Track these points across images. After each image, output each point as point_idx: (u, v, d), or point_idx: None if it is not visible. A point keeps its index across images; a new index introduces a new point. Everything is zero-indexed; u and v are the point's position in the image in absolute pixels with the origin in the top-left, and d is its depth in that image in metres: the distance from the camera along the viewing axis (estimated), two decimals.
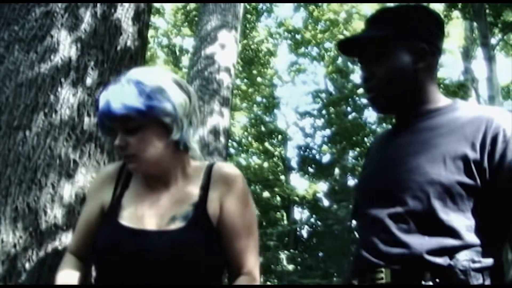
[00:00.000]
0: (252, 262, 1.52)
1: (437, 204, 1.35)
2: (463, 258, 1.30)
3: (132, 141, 1.49)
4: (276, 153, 16.63)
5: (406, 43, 1.50)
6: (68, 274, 1.54)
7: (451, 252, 1.31)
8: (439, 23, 1.57)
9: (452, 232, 1.33)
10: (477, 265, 1.30)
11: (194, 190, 1.55)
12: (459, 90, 12.66)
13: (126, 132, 1.49)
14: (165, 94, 1.49)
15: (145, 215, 1.52)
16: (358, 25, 15.07)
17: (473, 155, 1.35)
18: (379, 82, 1.52)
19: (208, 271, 1.49)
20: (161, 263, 1.42)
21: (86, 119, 1.93)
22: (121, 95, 1.46)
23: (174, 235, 1.45)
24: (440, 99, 1.54)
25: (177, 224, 1.47)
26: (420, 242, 1.33)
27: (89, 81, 1.99)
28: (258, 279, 1.53)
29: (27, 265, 1.69)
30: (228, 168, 1.61)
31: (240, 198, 1.55)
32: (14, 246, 1.69)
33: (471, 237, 1.33)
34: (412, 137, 1.49)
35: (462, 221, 1.34)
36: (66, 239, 1.77)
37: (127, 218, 1.51)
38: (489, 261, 1.32)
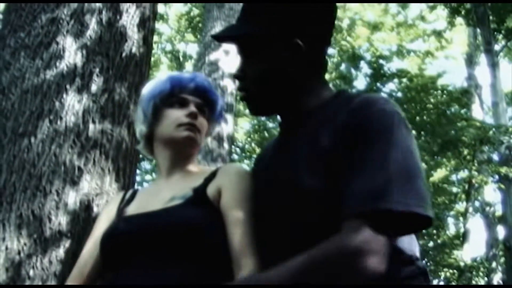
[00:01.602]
0: (249, 250, 1.38)
1: None
2: None
3: (200, 119, 1.67)
4: None
5: (277, 40, 1.32)
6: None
7: None
8: (320, 11, 1.36)
9: None
10: None
11: (199, 180, 1.56)
12: (462, 97, 12.63)
13: (198, 109, 1.67)
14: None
15: (148, 203, 1.55)
16: (362, 32, 15.08)
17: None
18: (250, 83, 1.37)
19: (208, 248, 1.40)
20: (157, 240, 1.39)
21: (91, 126, 1.92)
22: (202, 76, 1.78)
23: (170, 211, 1.46)
24: (325, 96, 1.36)
25: (175, 202, 1.48)
26: None
27: (94, 88, 1.99)
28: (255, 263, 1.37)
29: (31, 272, 1.69)
30: (234, 164, 1.69)
31: (240, 186, 1.47)
32: (19, 253, 1.69)
33: None
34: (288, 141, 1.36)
35: None
36: (70, 246, 1.77)
37: (130, 212, 1.58)
38: None
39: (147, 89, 1.71)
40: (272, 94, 1.36)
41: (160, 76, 1.74)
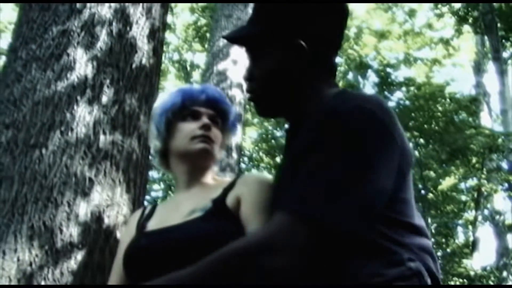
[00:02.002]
0: None
1: None
2: None
3: (214, 131, 1.67)
4: None
5: (279, 40, 1.31)
6: None
7: None
8: (325, 12, 1.33)
9: None
10: None
11: (218, 191, 1.56)
12: (471, 104, 12.58)
13: (211, 121, 1.68)
14: None
15: (168, 217, 1.55)
16: (369, 40, 15.09)
17: None
18: (257, 84, 1.36)
19: None
20: (179, 254, 1.38)
21: (101, 137, 1.93)
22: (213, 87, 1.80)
23: (191, 224, 1.46)
24: (326, 97, 1.31)
25: (195, 215, 1.48)
26: None
27: (104, 99, 1.99)
28: None
29: (42, 284, 1.69)
30: (254, 173, 1.67)
31: (259, 196, 1.46)
32: (30, 264, 1.69)
33: None
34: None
35: None
36: (81, 257, 1.77)
37: (151, 227, 1.58)
38: None
39: (158, 103, 1.73)
40: (277, 95, 1.35)
41: (170, 90, 1.77)
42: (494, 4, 12.17)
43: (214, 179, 1.70)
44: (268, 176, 1.70)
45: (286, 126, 1.45)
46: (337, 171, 1.09)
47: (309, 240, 1.06)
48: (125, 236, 1.68)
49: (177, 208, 1.58)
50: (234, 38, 1.51)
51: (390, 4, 15.79)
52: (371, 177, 1.11)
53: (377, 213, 1.12)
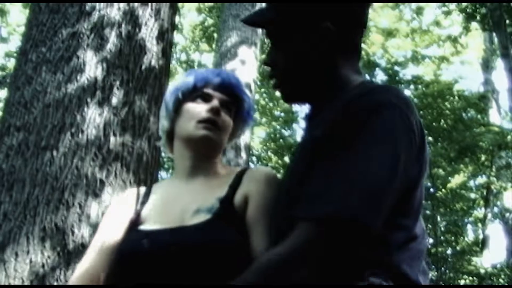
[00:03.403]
0: None
1: None
2: None
3: (224, 117, 1.56)
4: None
5: (304, 24, 1.26)
6: None
7: None
8: None
9: None
10: None
11: (223, 186, 1.48)
12: (479, 102, 12.52)
13: (222, 106, 1.55)
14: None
15: (169, 210, 1.46)
16: (376, 38, 15.04)
17: None
18: (282, 69, 1.31)
19: (239, 269, 1.29)
20: (183, 261, 1.32)
21: (112, 138, 1.94)
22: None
23: (198, 229, 1.37)
24: (352, 82, 1.27)
25: (201, 217, 1.40)
26: None
27: (114, 100, 2.00)
28: None
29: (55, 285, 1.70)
30: (262, 168, 1.58)
31: (267, 196, 1.42)
32: (43, 266, 1.70)
33: None
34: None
35: None
36: None
37: (148, 223, 1.46)
38: None
39: (173, 83, 1.64)
40: (303, 79, 1.30)
41: (189, 72, 1.67)
42: None
43: (219, 168, 1.58)
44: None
45: (305, 112, 1.39)
46: (364, 170, 1.06)
47: (341, 244, 1.05)
48: (114, 216, 1.53)
49: (178, 199, 1.48)
50: (255, 22, 1.45)
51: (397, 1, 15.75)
52: (394, 180, 1.08)
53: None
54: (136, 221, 1.48)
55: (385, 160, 1.08)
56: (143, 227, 1.45)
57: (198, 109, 1.53)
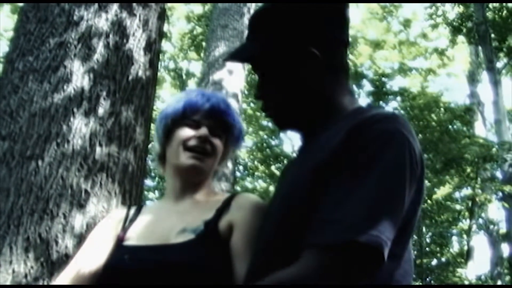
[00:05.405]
0: None
1: None
2: None
3: (215, 142, 1.59)
4: None
5: (290, 53, 1.27)
6: None
7: None
8: (329, 13, 1.29)
9: None
10: None
11: (212, 210, 1.50)
12: (465, 114, 12.65)
13: (212, 133, 1.59)
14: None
15: (155, 228, 1.49)
16: (364, 50, 15.15)
17: None
18: (274, 100, 1.31)
19: None
20: (164, 277, 1.35)
21: (97, 149, 1.94)
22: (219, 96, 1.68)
23: (180, 248, 1.40)
24: (346, 105, 1.28)
25: (185, 237, 1.42)
26: None
27: (101, 111, 2.00)
28: None
29: None
30: (249, 196, 1.57)
31: (252, 225, 1.42)
32: (25, 276, 1.69)
33: None
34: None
35: None
36: None
37: (133, 239, 1.50)
38: None
39: (165, 107, 1.66)
40: (295, 109, 1.30)
41: (180, 95, 1.68)
42: (488, 15, 12.27)
43: (208, 193, 1.62)
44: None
45: (299, 141, 1.40)
46: (377, 198, 1.06)
47: (356, 270, 1.05)
48: (104, 233, 1.58)
49: (166, 219, 1.51)
50: (240, 58, 1.46)
51: (385, 13, 15.88)
52: (399, 208, 1.09)
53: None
54: (122, 238, 1.53)
55: (395, 192, 1.09)
56: (127, 243, 1.50)
57: (187, 136, 1.56)
